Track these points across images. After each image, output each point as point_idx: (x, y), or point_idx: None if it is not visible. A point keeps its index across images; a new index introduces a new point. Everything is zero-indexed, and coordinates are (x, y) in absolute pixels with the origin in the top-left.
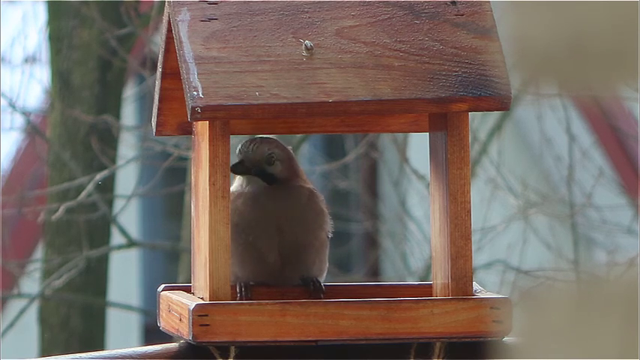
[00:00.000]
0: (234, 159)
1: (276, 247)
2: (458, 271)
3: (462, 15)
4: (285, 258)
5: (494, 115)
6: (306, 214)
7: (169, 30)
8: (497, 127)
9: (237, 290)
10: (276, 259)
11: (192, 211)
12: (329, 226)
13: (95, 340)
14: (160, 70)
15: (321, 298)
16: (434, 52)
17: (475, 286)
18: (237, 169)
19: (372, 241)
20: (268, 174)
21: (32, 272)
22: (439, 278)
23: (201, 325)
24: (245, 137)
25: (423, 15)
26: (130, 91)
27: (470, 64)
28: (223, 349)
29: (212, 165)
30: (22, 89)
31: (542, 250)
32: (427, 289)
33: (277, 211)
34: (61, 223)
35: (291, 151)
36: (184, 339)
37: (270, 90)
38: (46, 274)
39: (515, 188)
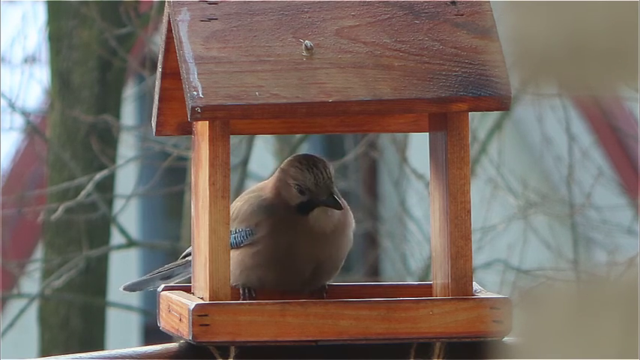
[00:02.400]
0: (234, 159)
1: (312, 269)
2: (458, 271)
3: (462, 15)
4: (314, 278)
5: (494, 115)
6: (347, 240)
7: (169, 30)
8: (497, 127)
9: (241, 292)
10: (307, 278)
11: (192, 211)
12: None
13: (95, 340)
14: (160, 70)
15: (322, 298)
16: (434, 52)
17: (475, 286)
18: (337, 206)
19: (372, 241)
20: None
21: (32, 272)
22: (439, 278)
23: (201, 325)
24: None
25: (423, 15)
26: (129, 91)
27: (470, 64)
28: (223, 349)
29: (212, 165)
30: (22, 89)
31: (542, 250)
32: (427, 289)
33: (326, 238)
34: (61, 223)
35: None
36: (184, 339)
37: (270, 90)
38: (46, 274)
39: (515, 188)
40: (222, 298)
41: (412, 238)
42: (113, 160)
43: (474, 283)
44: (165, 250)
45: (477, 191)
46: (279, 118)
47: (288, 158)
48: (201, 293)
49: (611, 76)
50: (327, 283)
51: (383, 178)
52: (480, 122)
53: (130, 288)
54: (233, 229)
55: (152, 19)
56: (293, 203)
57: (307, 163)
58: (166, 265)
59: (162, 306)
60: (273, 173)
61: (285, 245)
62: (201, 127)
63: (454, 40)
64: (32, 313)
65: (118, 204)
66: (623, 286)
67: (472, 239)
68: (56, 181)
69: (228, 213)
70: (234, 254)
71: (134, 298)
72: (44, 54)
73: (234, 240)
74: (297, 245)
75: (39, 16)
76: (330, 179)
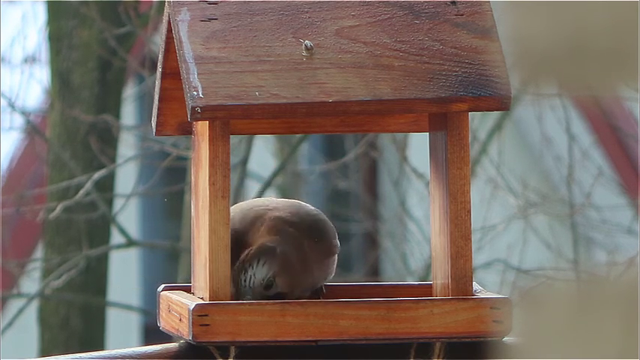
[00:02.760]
0: (234, 159)
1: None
2: (458, 271)
3: (462, 15)
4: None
5: (494, 115)
6: (317, 277)
7: (169, 30)
8: (497, 127)
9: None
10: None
11: (192, 211)
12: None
13: (95, 340)
14: (160, 70)
15: (320, 298)
16: (434, 52)
17: (475, 286)
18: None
19: (372, 241)
20: (270, 297)
21: (32, 272)
22: (439, 278)
23: (201, 325)
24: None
25: (423, 15)
26: (129, 91)
27: (470, 64)
28: (223, 349)
29: (212, 165)
30: (22, 89)
31: (542, 250)
32: (427, 289)
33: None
34: (61, 223)
35: (287, 246)
36: (184, 339)
37: (270, 90)
38: (46, 273)
39: (515, 188)
40: (222, 298)
41: (412, 238)
42: (113, 159)
43: (474, 283)
44: (166, 250)
45: (477, 191)
46: (279, 118)
47: (264, 247)
48: (201, 293)
49: (611, 76)
50: (324, 284)
51: (383, 178)
52: (480, 122)
53: None
54: None
55: (152, 19)
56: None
57: (251, 260)
58: None
59: (163, 306)
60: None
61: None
62: (201, 127)
63: (454, 40)
64: (32, 313)
65: (117, 204)
66: (623, 286)
67: (472, 239)
68: (56, 181)
69: (228, 213)
70: None
71: (134, 298)
72: (44, 54)
73: None
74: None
75: (39, 16)
76: (250, 288)
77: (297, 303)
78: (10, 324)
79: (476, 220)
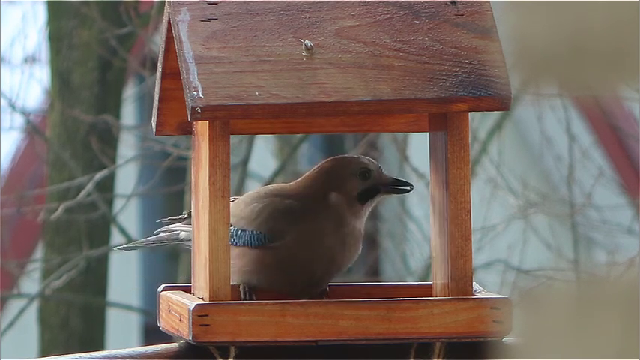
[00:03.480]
0: (234, 159)
1: (321, 274)
2: (458, 271)
3: (462, 15)
4: (320, 283)
5: (494, 115)
6: (358, 247)
7: (169, 30)
8: (497, 127)
9: (241, 292)
10: (313, 282)
11: (192, 211)
12: None
13: (95, 340)
14: (160, 70)
15: (321, 298)
16: (434, 52)
17: (475, 286)
18: (407, 187)
19: (372, 241)
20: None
21: (32, 272)
22: (439, 278)
23: (201, 325)
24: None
25: (423, 15)
26: (129, 91)
27: (470, 64)
28: (223, 349)
29: (212, 165)
30: (22, 89)
31: (542, 250)
32: (427, 289)
33: (354, 244)
34: (61, 223)
35: None
36: (184, 339)
37: (270, 90)
38: (46, 273)
39: (515, 188)
40: (222, 298)
41: (412, 238)
42: (113, 160)
43: (474, 283)
44: (166, 250)
45: (477, 191)
46: (279, 118)
47: (326, 163)
48: (201, 293)
49: (611, 76)
50: (328, 284)
51: None
52: (480, 122)
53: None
54: (250, 230)
55: (152, 19)
56: (354, 194)
57: (364, 156)
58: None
59: (163, 306)
60: (294, 179)
61: (308, 254)
62: (201, 127)
63: (454, 40)
64: (32, 313)
65: (118, 204)
66: (623, 286)
67: (472, 239)
68: (56, 181)
69: (229, 213)
70: (250, 253)
71: (134, 298)
72: (44, 54)
73: (251, 240)
74: (322, 253)
75: (39, 16)
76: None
77: (297, 303)
78: (11, 325)
79: (476, 220)
